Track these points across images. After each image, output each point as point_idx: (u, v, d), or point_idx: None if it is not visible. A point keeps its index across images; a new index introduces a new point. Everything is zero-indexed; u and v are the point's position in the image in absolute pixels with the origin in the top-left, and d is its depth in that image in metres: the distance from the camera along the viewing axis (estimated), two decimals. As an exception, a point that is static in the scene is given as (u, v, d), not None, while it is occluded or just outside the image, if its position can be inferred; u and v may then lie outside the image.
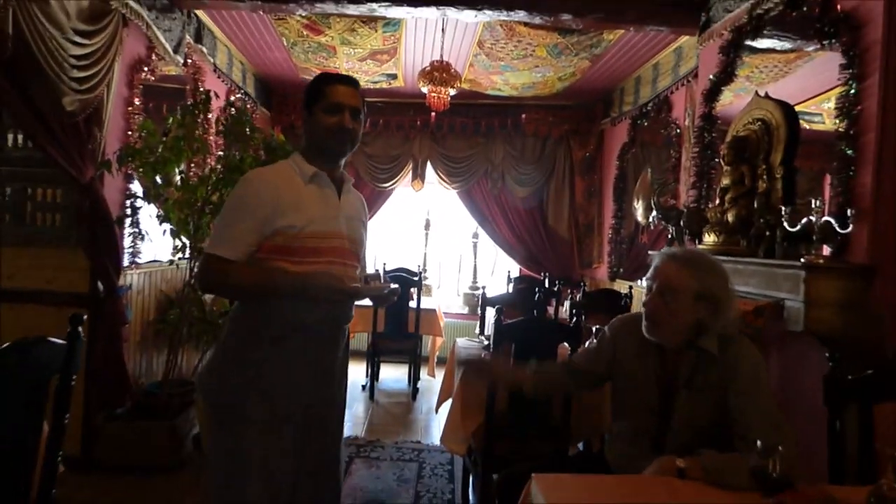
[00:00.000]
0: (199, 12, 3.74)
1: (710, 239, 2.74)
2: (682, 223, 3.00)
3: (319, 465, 1.62)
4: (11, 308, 2.85)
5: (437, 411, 3.50)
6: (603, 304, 3.63)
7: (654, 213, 3.43)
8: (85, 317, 1.59)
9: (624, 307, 3.58)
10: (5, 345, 1.35)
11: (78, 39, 2.49)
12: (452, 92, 3.78)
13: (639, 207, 4.08)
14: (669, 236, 3.25)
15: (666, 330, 1.53)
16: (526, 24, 3.55)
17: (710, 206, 2.93)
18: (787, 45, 2.66)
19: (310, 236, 1.50)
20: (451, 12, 3.28)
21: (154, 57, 3.30)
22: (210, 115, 3.48)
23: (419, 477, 3.06)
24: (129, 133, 3.13)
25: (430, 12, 3.30)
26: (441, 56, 3.91)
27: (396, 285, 1.63)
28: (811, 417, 1.66)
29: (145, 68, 3.24)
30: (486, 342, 3.01)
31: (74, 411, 2.85)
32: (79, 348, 1.55)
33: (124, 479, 2.80)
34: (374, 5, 3.25)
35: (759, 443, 1.21)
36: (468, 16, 3.31)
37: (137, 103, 3.20)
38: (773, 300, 2.16)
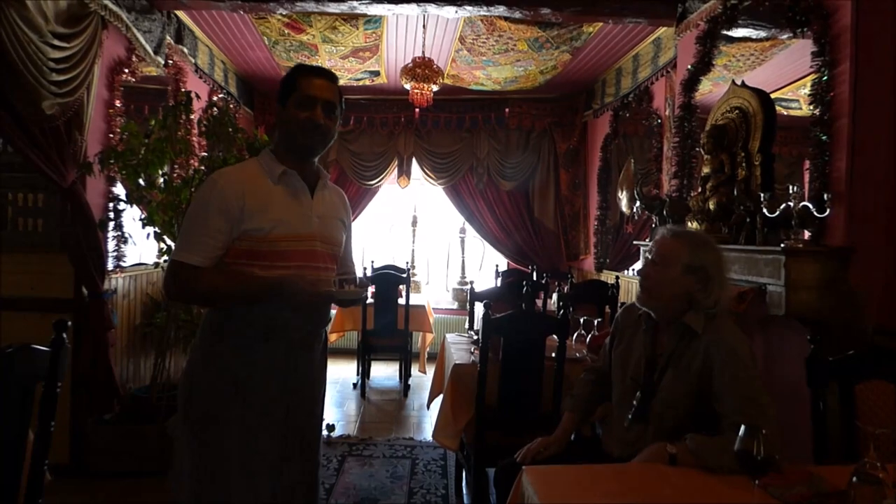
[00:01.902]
0: (180, 13, 3.71)
1: (692, 226, 2.78)
2: (665, 212, 3.04)
3: (298, 475, 1.56)
4: (-6, 315, 2.83)
5: (428, 407, 3.51)
6: (589, 296, 3.66)
7: (638, 203, 3.47)
8: (70, 322, 1.58)
9: (611, 298, 3.61)
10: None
11: (56, 43, 2.46)
12: (435, 88, 3.78)
13: (623, 198, 4.12)
14: (653, 226, 3.29)
15: (656, 298, 1.60)
16: (506, 19, 3.56)
17: (692, 194, 2.96)
18: (761, 33, 2.70)
19: (278, 239, 1.43)
20: (432, 8, 3.29)
21: (134, 58, 3.27)
22: (192, 116, 3.46)
23: (412, 473, 3.07)
24: (111, 135, 3.10)
25: (411, 9, 3.30)
26: (423, 52, 3.92)
27: (367, 287, 1.59)
28: (795, 398, 1.70)
29: (126, 70, 3.21)
30: (475, 337, 3.03)
31: (62, 418, 2.87)
32: (64, 355, 1.53)
33: (114, 484, 2.78)
34: (355, 3, 3.25)
35: (742, 426, 1.24)
36: (449, 12, 3.32)
37: (119, 105, 3.17)
38: (755, 285, 2.20)
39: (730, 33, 2.80)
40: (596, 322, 2.92)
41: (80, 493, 2.71)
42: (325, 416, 3.71)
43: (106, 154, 2.79)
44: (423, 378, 4.91)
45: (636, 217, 3.72)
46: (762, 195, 2.23)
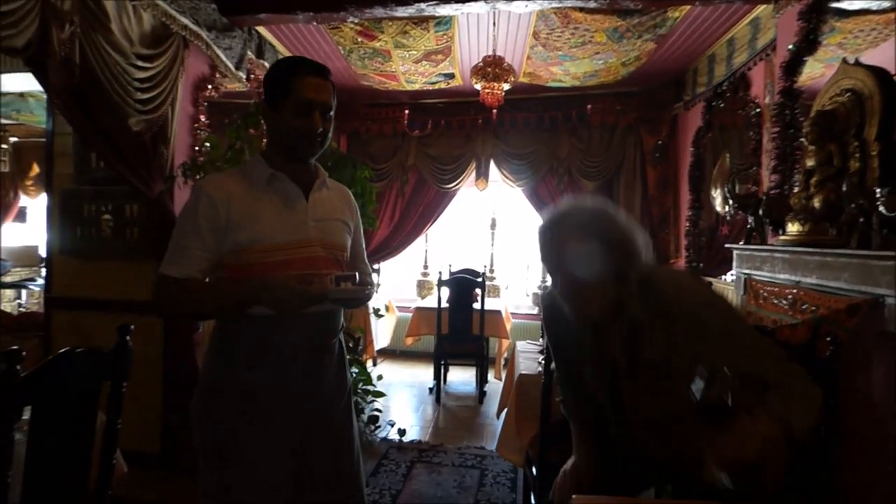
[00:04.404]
0: (260, 28, 3.87)
1: (793, 228, 2.45)
2: (761, 212, 2.71)
3: (337, 496, 1.47)
4: (101, 316, 3.09)
5: (497, 417, 3.39)
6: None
7: (732, 201, 3.15)
8: (132, 326, 1.65)
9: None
10: (55, 354, 1.43)
11: (141, 63, 2.63)
12: (507, 87, 3.66)
13: (717, 196, 3.77)
14: (749, 226, 2.96)
15: (593, 303, 1.31)
16: (581, 10, 3.36)
17: (795, 191, 2.62)
18: (883, 3, 2.33)
19: (271, 249, 1.34)
20: (501, 5, 3.17)
21: (217, 75, 3.45)
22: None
23: (480, 485, 2.97)
24: (197, 148, 3.28)
25: (479, 7, 3.20)
26: (494, 51, 3.81)
27: (370, 286, 1.46)
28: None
29: (209, 86, 3.39)
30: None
31: (154, 411, 3.06)
32: (127, 357, 1.61)
33: (193, 478, 2.92)
34: (422, 5, 3.20)
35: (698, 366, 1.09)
36: (518, 6, 3.19)
37: (203, 119, 3.35)
38: (870, 297, 1.88)
39: (842, 6, 2.45)
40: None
41: (158, 484, 2.85)
42: (399, 420, 3.65)
43: (187, 166, 2.95)
44: (499, 385, 4.79)
45: (730, 217, 3.37)
46: (878, 190, 1.91)
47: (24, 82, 3.92)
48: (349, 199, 1.59)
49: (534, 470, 2.41)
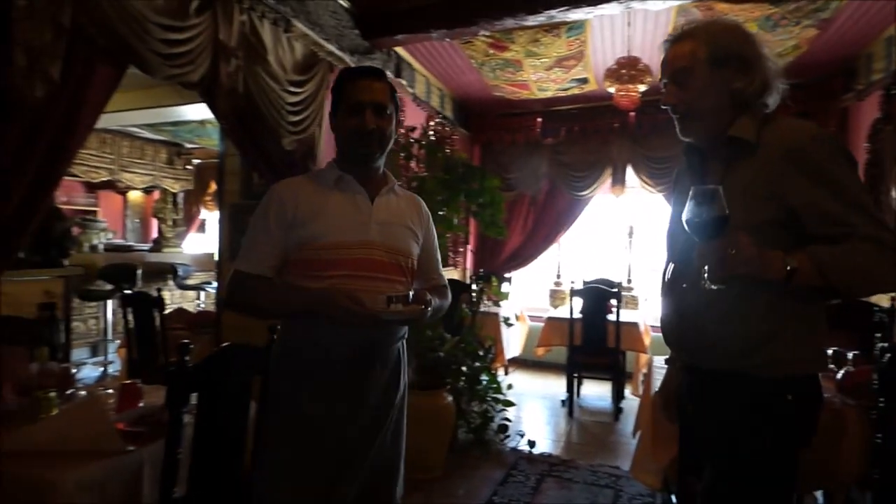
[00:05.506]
0: (399, 49, 4.10)
1: None
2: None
3: None
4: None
5: (634, 436, 3.20)
6: (846, 320, 2.91)
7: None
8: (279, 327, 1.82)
9: (878, 324, 2.83)
10: (214, 350, 1.63)
11: (292, 89, 2.92)
12: (643, 88, 3.48)
13: (901, 198, 3.25)
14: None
15: (697, 117, 1.24)
16: (727, 1, 3.09)
17: None
18: None
19: (328, 247, 1.36)
20: (636, 3, 3.03)
21: (359, 95, 3.71)
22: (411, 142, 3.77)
23: (614, 506, 2.83)
24: (341, 164, 3.56)
25: (613, 8, 3.09)
26: (629, 51, 3.64)
27: (428, 305, 1.36)
28: None
29: (352, 106, 3.66)
30: (685, 362, 2.66)
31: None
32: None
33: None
34: (553, 12, 3.17)
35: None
36: (655, 4, 3.02)
37: (347, 138, 3.62)
38: None
39: None
40: (850, 355, 2.32)
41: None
42: (529, 431, 3.61)
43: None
44: (636, 402, 4.52)
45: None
46: None
47: (202, 111, 4.54)
48: (419, 206, 1.59)
49: (673, 498, 2.25)
